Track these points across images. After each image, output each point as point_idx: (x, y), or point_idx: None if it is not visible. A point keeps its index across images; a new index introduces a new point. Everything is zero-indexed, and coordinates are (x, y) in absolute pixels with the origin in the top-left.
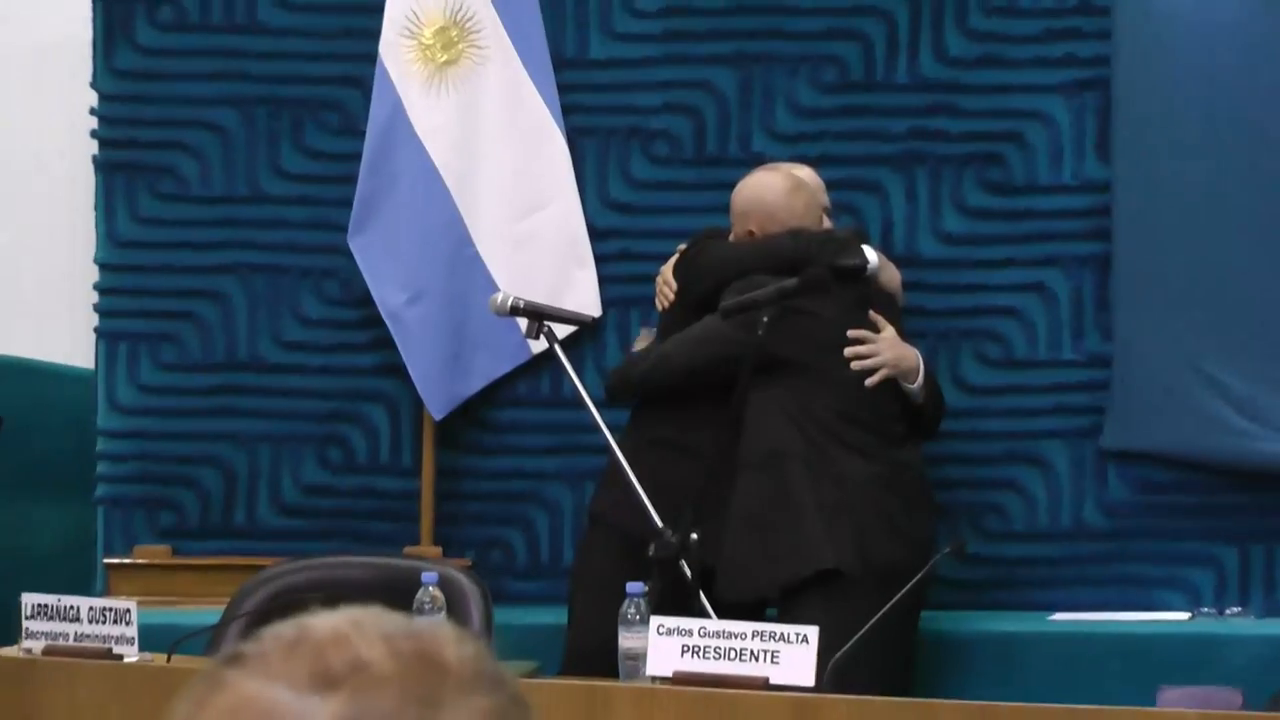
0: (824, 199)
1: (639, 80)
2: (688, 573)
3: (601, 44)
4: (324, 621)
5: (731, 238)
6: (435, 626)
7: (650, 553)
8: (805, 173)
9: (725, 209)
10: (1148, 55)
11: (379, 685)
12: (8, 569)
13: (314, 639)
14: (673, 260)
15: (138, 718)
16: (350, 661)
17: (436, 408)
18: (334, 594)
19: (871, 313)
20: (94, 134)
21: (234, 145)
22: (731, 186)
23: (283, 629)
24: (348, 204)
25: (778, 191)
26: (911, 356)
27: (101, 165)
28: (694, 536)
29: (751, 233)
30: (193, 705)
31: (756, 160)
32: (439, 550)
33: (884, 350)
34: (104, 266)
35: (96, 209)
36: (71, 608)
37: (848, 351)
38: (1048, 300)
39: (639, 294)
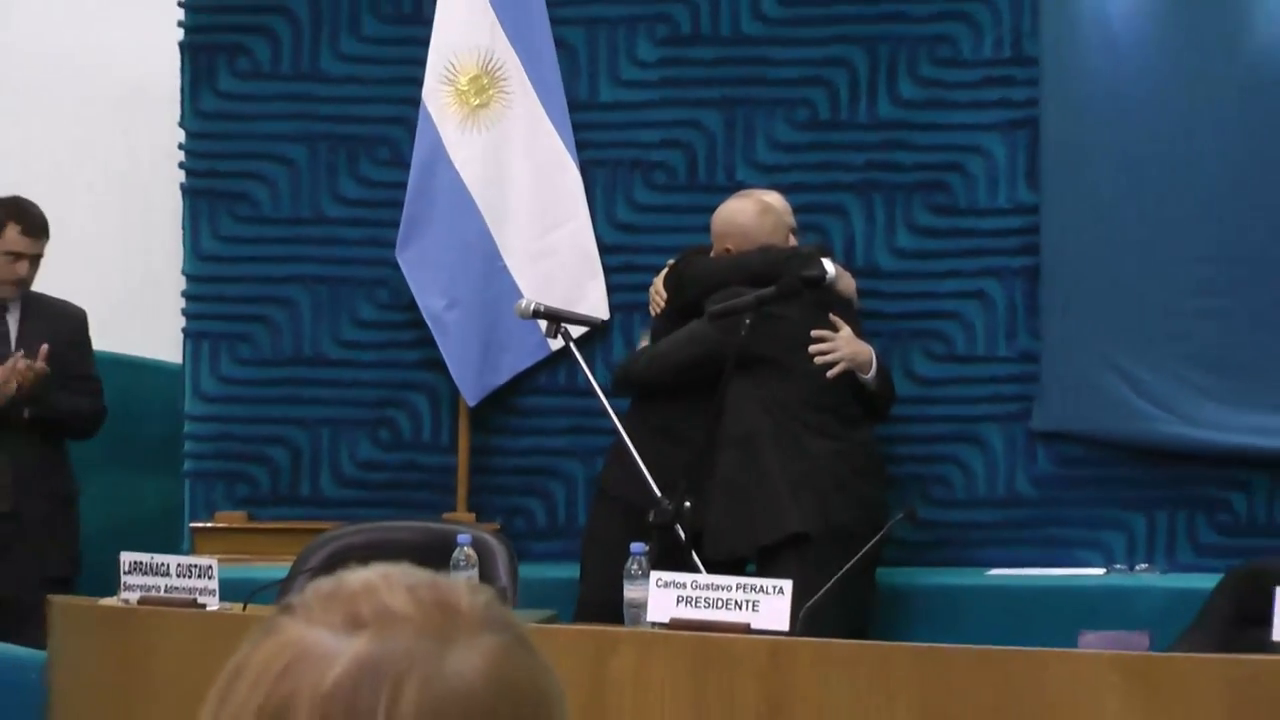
0: (790, 220)
1: (640, 120)
2: (681, 535)
3: (609, 89)
4: (358, 575)
5: (712, 254)
6: (452, 580)
7: (650, 519)
8: (773, 198)
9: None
10: (1070, 98)
11: (399, 626)
12: (110, 532)
13: (348, 590)
14: (663, 273)
15: (217, 658)
16: (376, 607)
17: (471, 396)
18: (384, 553)
19: (831, 315)
20: (181, 165)
21: (300, 175)
22: None
23: (323, 582)
24: (395, 224)
25: (749, 215)
26: (866, 352)
27: (188, 192)
28: (686, 505)
29: (728, 250)
30: (251, 647)
31: (741, 187)
32: (472, 516)
33: (842, 347)
34: (190, 277)
35: (184, 229)
36: (162, 564)
37: (812, 349)
38: (985, 306)
39: (640, 300)
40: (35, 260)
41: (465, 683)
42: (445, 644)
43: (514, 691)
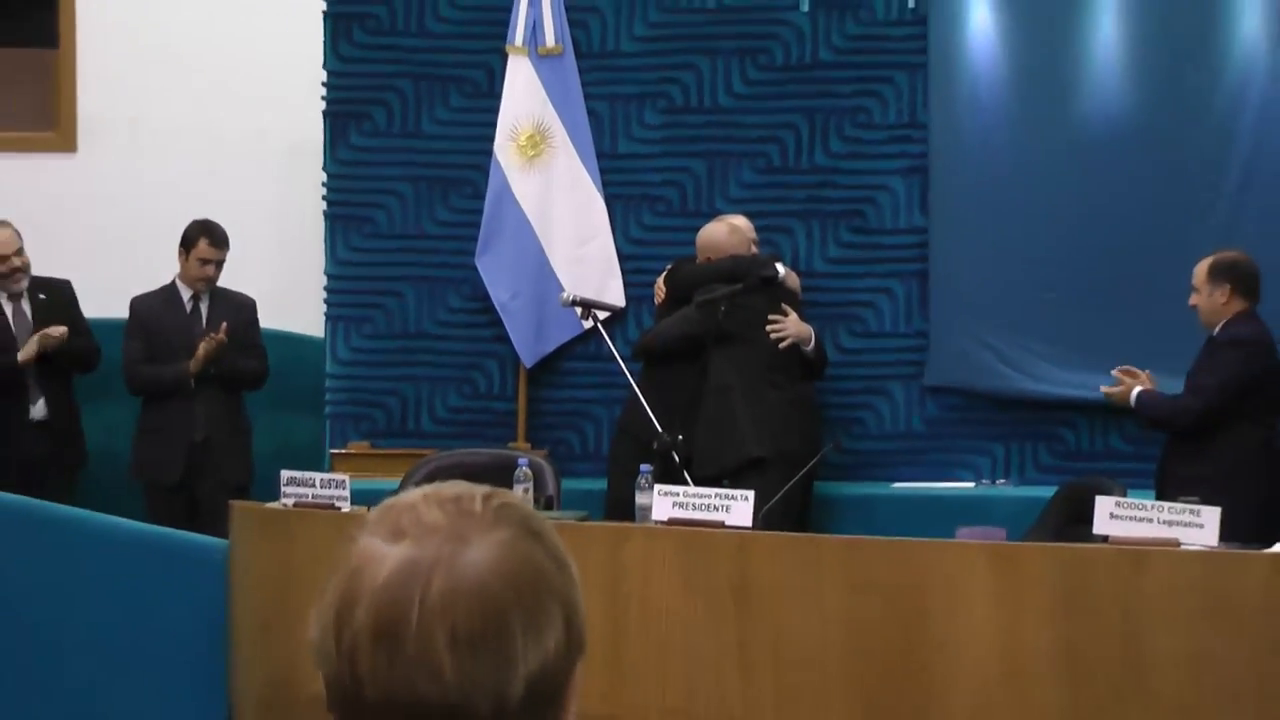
0: (752, 236)
1: (647, 166)
2: (676, 459)
3: (625, 144)
4: (409, 495)
5: (696, 261)
6: (478, 490)
7: (654, 447)
8: (740, 221)
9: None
10: (950, 151)
11: (429, 533)
12: (273, 456)
13: (396, 509)
14: (662, 274)
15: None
16: (414, 521)
17: (527, 360)
18: (465, 472)
19: (783, 305)
20: (325, 198)
21: (407, 204)
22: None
23: (382, 503)
24: (475, 239)
25: (723, 233)
26: (807, 330)
27: (329, 216)
28: (680, 438)
29: (709, 259)
30: (340, 552)
31: (718, 214)
32: (528, 445)
33: (790, 327)
34: (330, 277)
35: (325, 243)
36: (310, 479)
37: (769, 328)
38: (890, 298)
39: (647, 294)
40: (219, 265)
41: (476, 572)
42: (463, 544)
43: (513, 573)
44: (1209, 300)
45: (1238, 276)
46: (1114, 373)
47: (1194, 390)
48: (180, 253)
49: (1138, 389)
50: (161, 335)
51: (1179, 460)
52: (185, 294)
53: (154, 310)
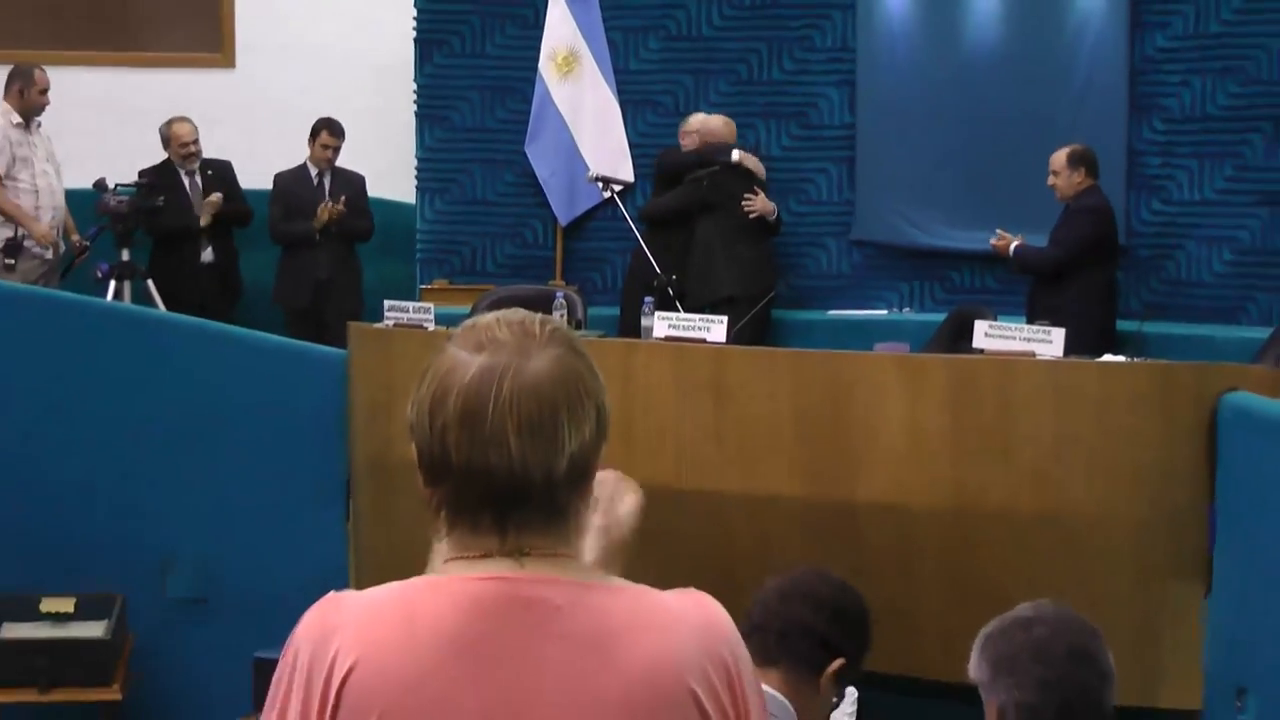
0: (733, 129)
1: (651, 79)
2: (671, 293)
3: (635, 63)
4: (484, 318)
5: (682, 148)
6: (537, 317)
7: (655, 284)
8: (722, 119)
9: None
10: (872, 71)
11: (501, 347)
12: (379, 289)
13: (477, 328)
14: (658, 159)
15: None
16: (490, 336)
17: (562, 220)
18: (518, 301)
19: (755, 185)
20: (415, 102)
21: (475, 107)
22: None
23: (467, 322)
24: (524, 132)
25: (719, 124)
26: (772, 206)
27: (418, 115)
28: (674, 278)
29: (698, 140)
30: (432, 358)
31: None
32: (564, 282)
33: (759, 204)
34: (420, 159)
35: (416, 134)
36: (405, 306)
37: (743, 203)
38: (827, 177)
39: (650, 172)
40: (336, 150)
41: (536, 376)
42: (526, 355)
43: (561, 379)
44: (1068, 180)
45: (1089, 162)
46: (994, 239)
47: (1056, 244)
48: (309, 141)
49: (1015, 243)
50: (295, 202)
51: (1043, 294)
52: (313, 171)
53: (290, 183)
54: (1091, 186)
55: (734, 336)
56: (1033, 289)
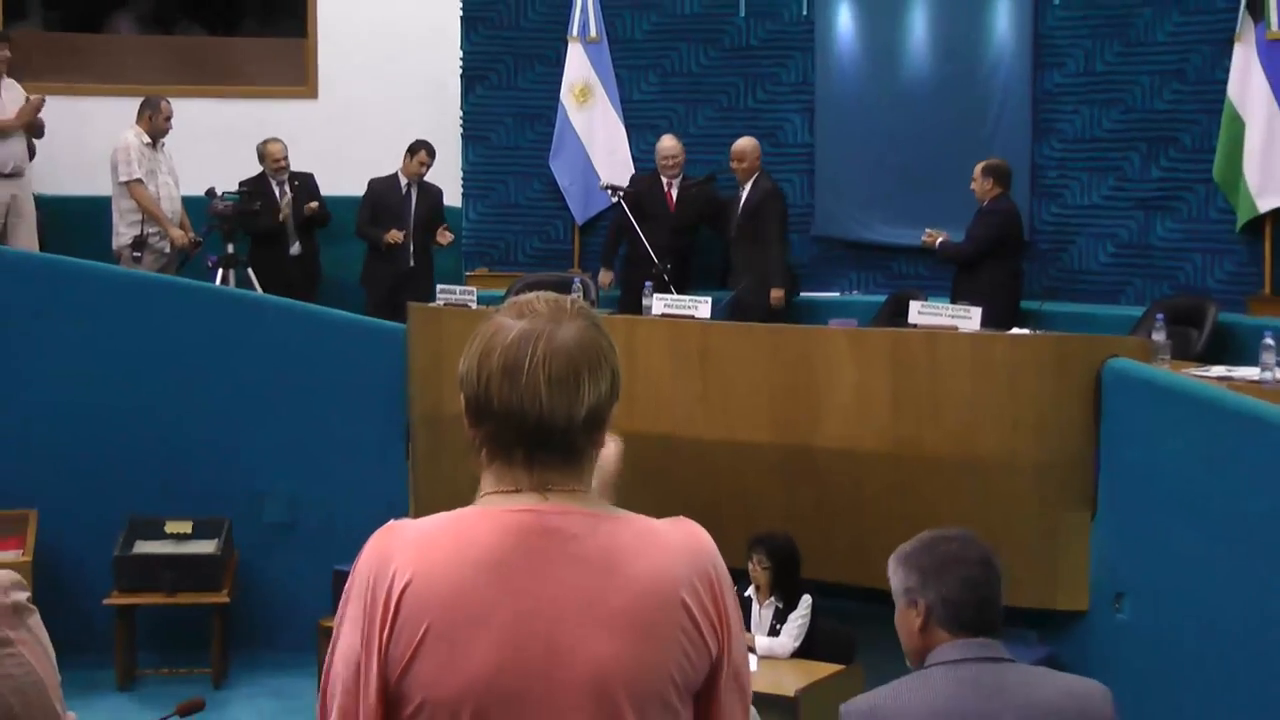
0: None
1: (651, 109)
2: (666, 278)
3: (638, 95)
4: (526, 296)
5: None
6: (568, 296)
7: (653, 271)
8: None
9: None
10: (827, 101)
11: (538, 316)
12: (434, 277)
13: (519, 301)
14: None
15: (473, 327)
16: (530, 308)
17: (579, 220)
18: (544, 286)
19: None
20: (461, 125)
21: (510, 129)
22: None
23: (512, 299)
24: (549, 149)
25: (751, 145)
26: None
27: (463, 137)
28: (669, 266)
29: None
30: (482, 324)
31: (691, 138)
32: (580, 270)
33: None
34: (465, 171)
35: (461, 151)
36: (453, 289)
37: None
38: (793, 186)
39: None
40: (429, 166)
41: (565, 340)
42: (557, 325)
43: (585, 345)
44: (981, 187)
45: (999, 173)
46: (925, 235)
47: (970, 239)
48: (407, 156)
49: (940, 239)
50: (382, 206)
51: (963, 281)
52: (403, 181)
53: (381, 190)
54: (1001, 194)
55: (717, 315)
56: (956, 275)
